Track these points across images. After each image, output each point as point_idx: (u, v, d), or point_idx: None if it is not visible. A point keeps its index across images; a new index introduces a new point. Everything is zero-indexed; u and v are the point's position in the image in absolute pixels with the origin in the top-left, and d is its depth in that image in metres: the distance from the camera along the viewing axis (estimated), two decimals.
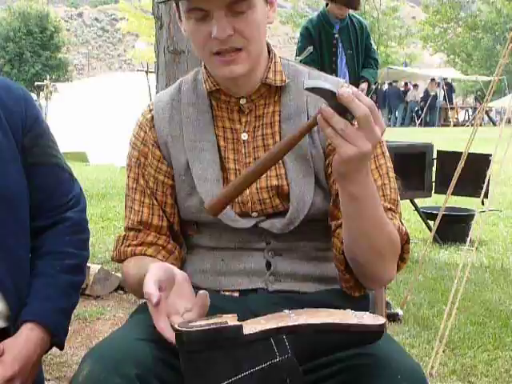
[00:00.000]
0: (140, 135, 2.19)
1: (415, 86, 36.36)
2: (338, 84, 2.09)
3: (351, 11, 6.61)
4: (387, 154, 2.10)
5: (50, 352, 2.19)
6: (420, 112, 33.28)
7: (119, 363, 1.74)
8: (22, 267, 2.15)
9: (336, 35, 6.55)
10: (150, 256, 2.13)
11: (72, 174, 2.33)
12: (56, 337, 2.14)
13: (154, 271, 1.81)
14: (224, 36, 1.88)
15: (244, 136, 2.11)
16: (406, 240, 2.00)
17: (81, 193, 2.34)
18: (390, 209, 2.02)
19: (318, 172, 2.07)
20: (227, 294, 2.09)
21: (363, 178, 1.73)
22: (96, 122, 15.70)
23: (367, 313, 1.81)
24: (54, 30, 38.00)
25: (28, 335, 2.06)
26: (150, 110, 2.20)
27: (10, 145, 2.13)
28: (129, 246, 2.17)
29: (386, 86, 35.80)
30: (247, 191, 2.05)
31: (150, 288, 1.74)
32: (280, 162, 2.00)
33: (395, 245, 1.95)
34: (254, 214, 2.11)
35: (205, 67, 2.12)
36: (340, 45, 6.57)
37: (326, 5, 6.58)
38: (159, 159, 2.16)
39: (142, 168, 2.18)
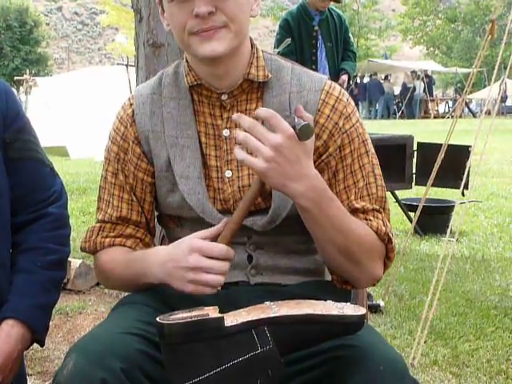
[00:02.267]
0: (120, 130, 2.17)
1: (386, 78, 36.44)
2: (320, 80, 2.11)
3: (332, 4, 6.63)
4: (372, 151, 2.11)
5: (31, 347, 2.19)
6: (400, 104, 33.37)
7: (104, 357, 1.74)
8: (2, 263, 2.14)
9: (316, 27, 6.55)
10: (130, 247, 2.14)
11: (53, 168, 2.33)
12: (36, 333, 2.14)
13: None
14: (205, 11, 1.86)
15: (226, 132, 2.10)
16: (387, 240, 2.02)
17: (62, 188, 2.33)
18: (373, 209, 2.04)
19: None
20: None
21: (299, 191, 1.79)
22: (76, 117, 15.67)
23: (348, 304, 1.81)
24: (33, 24, 37.86)
25: (9, 332, 2.06)
26: (131, 105, 2.17)
27: None
28: (106, 237, 2.16)
29: (366, 79, 35.86)
30: (229, 189, 2.08)
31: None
32: None
33: (368, 248, 1.98)
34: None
35: (186, 60, 2.10)
36: (320, 37, 6.58)
37: None
38: (139, 156, 2.14)
39: (122, 163, 2.16)
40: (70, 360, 1.76)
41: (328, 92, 2.08)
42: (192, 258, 1.83)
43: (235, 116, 1.79)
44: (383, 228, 2.00)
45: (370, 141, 2.11)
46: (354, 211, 2.02)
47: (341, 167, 2.06)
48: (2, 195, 2.14)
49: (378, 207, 2.05)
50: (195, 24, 1.90)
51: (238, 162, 2.07)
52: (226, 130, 2.10)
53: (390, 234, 2.03)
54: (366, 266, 2.00)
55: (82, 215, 6.95)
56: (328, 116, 2.06)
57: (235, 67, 2.04)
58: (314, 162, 1.98)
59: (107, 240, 2.15)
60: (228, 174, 2.09)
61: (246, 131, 1.73)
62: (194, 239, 1.87)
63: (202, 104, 2.12)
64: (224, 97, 2.07)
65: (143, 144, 2.14)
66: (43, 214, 2.23)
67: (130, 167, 2.15)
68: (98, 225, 2.19)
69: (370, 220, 2.00)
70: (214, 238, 1.88)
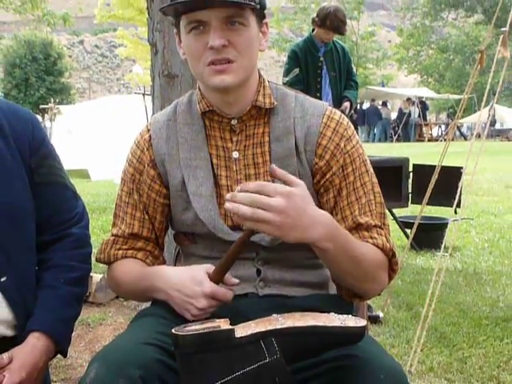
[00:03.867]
0: (137, 153, 2.19)
1: (384, 104, 36.52)
2: (322, 108, 2.13)
3: (336, 38, 6.67)
4: (371, 170, 2.12)
5: (56, 356, 2.18)
6: (397, 128, 33.40)
7: (123, 366, 1.75)
8: (28, 280, 2.14)
9: (321, 58, 6.58)
10: (140, 260, 2.17)
11: (76, 192, 2.33)
12: (60, 345, 2.13)
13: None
14: (219, 45, 1.90)
15: (235, 154, 2.11)
16: (391, 255, 2.02)
17: (84, 210, 2.33)
18: (375, 225, 2.04)
19: None
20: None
21: (317, 237, 1.80)
22: (97, 142, 15.71)
23: (350, 316, 1.81)
24: (57, 56, 37.97)
25: (34, 344, 2.05)
26: (148, 130, 2.20)
27: (17, 165, 2.13)
28: (119, 249, 2.18)
29: (366, 105, 35.91)
30: None
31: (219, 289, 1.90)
32: (271, 179, 2.00)
33: (377, 265, 2.00)
34: (245, 227, 2.11)
35: (199, 89, 2.13)
36: (324, 67, 6.60)
37: (313, 30, 6.62)
38: (152, 178, 2.16)
39: (137, 184, 2.18)
40: (92, 369, 1.77)
41: (329, 116, 2.10)
42: (204, 302, 1.89)
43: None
44: (387, 245, 2.01)
45: (368, 161, 2.12)
46: (359, 226, 2.03)
47: (344, 185, 2.07)
48: (28, 217, 2.14)
49: (379, 223, 2.06)
50: (209, 55, 1.93)
51: (246, 181, 2.09)
52: (235, 152, 2.11)
53: (394, 249, 2.04)
54: (375, 281, 2.02)
55: (103, 233, 6.96)
56: (330, 138, 2.07)
57: (244, 95, 2.07)
58: (319, 181, 2.07)
59: (120, 252, 2.18)
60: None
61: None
62: (209, 285, 1.90)
63: (213, 128, 2.14)
64: (234, 122, 2.09)
65: (159, 166, 2.16)
66: (66, 234, 2.23)
67: (144, 188, 2.17)
68: (111, 238, 2.21)
69: (376, 238, 2.01)
70: (218, 281, 1.93)
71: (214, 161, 2.13)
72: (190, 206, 2.11)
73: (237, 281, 1.94)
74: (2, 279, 2.05)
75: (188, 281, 1.94)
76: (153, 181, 2.16)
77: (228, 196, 1.76)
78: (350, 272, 1.95)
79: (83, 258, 2.25)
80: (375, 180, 2.12)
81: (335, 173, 2.06)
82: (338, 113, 2.14)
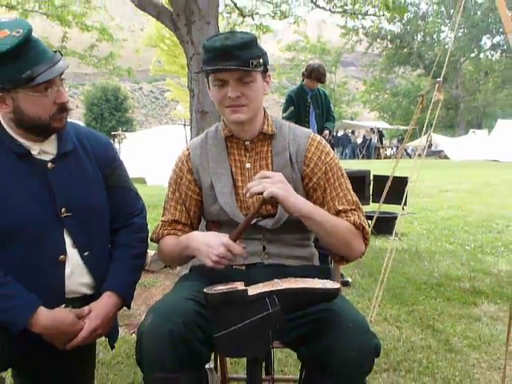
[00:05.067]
0: (179, 164, 2.26)
1: (353, 132, 36.44)
2: (307, 133, 2.23)
3: (319, 85, 6.67)
4: (345, 174, 2.22)
5: (122, 308, 2.19)
6: (362, 149, 33.32)
7: (170, 314, 1.79)
8: (103, 255, 2.17)
9: (309, 100, 6.58)
10: (179, 236, 2.21)
11: (137, 193, 2.35)
12: (125, 301, 2.15)
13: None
14: (234, 96, 2.02)
15: (248, 165, 2.19)
16: (362, 228, 2.09)
17: (143, 205, 2.35)
18: (351, 209, 2.12)
19: (296, 189, 2.08)
20: (237, 267, 2.11)
21: (293, 205, 1.92)
22: (150, 158, 15.69)
23: (328, 280, 1.83)
24: (123, 98, 38.00)
25: (107, 300, 2.07)
26: (188, 149, 2.28)
27: (96, 175, 2.16)
28: (165, 230, 2.25)
29: (340, 133, 35.80)
30: (249, 201, 2.13)
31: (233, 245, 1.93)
32: None
33: (350, 234, 2.06)
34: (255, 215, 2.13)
35: (223, 121, 2.21)
36: (311, 106, 6.60)
37: (303, 80, 6.62)
38: (189, 182, 2.23)
39: (178, 185, 2.25)
40: (148, 317, 1.82)
41: (312, 138, 2.20)
42: (222, 249, 1.90)
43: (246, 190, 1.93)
44: (357, 220, 2.09)
45: (343, 168, 2.22)
46: (339, 212, 2.10)
47: (327, 186, 2.15)
48: (104, 211, 2.18)
49: (354, 207, 2.13)
50: (228, 101, 2.05)
51: None
52: (248, 163, 2.19)
53: (364, 224, 2.11)
54: (351, 247, 2.08)
55: (155, 222, 6.96)
56: (313, 152, 2.17)
57: (254, 126, 2.16)
58: (308, 184, 2.16)
59: (165, 232, 2.24)
60: None
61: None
62: (226, 238, 1.94)
63: (232, 147, 2.21)
64: (247, 143, 2.19)
65: (194, 173, 2.22)
66: (130, 222, 2.25)
67: (183, 188, 2.23)
68: (160, 223, 2.28)
69: (349, 216, 2.09)
70: (234, 239, 1.95)
71: (233, 170, 2.19)
72: (217, 201, 2.16)
73: (244, 246, 1.99)
74: (85, 254, 2.06)
75: (211, 236, 1.99)
76: (190, 183, 2.22)
77: (244, 190, 1.93)
78: (330, 237, 2.04)
79: (142, 239, 2.27)
80: (348, 181, 2.21)
81: (320, 177, 2.15)
82: (319, 136, 2.26)
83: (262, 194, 1.86)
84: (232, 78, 2.00)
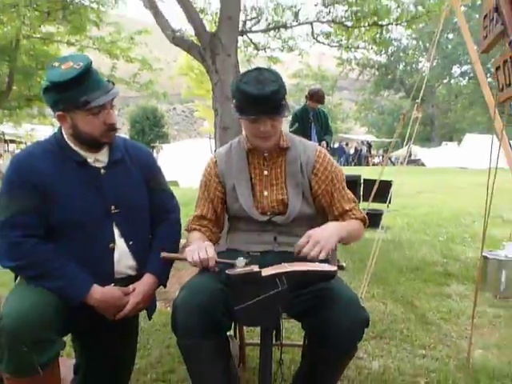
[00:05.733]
0: (207, 170, 2.27)
1: (347, 144, 36.26)
2: (315, 147, 2.24)
3: (319, 106, 6.66)
4: (344, 182, 2.23)
5: (160, 288, 2.19)
6: (354, 158, 33.16)
7: (199, 291, 1.82)
8: (145, 243, 2.17)
9: (311, 118, 6.59)
10: (202, 232, 2.24)
11: (172, 193, 2.34)
12: (162, 281, 2.16)
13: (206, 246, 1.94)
14: (266, 131, 2.01)
15: (265, 172, 2.19)
16: (365, 219, 2.19)
17: (177, 204, 2.34)
18: (353, 207, 2.18)
19: (304, 192, 2.13)
20: (253, 253, 2.11)
21: (336, 242, 1.99)
22: (182, 165, 15.72)
23: (327, 264, 1.83)
24: (160, 116, 38.03)
25: (147, 280, 2.08)
26: (215, 157, 2.28)
27: (139, 178, 2.16)
28: (193, 224, 2.26)
29: (336, 145, 35.69)
30: (265, 201, 2.15)
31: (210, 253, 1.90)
32: (284, 187, 2.15)
33: (360, 231, 2.17)
34: (269, 213, 2.15)
35: (246, 136, 2.19)
36: (313, 123, 6.61)
37: (306, 101, 6.62)
38: (216, 184, 2.22)
39: (207, 186, 2.25)
40: (180, 293, 1.86)
41: (319, 151, 2.21)
42: (196, 257, 1.88)
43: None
44: (361, 215, 2.18)
45: (344, 174, 2.26)
46: (345, 211, 2.17)
47: (334, 190, 2.18)
48: (146, 209, 2.18)
49: (354, 205, 2.19)
50: (260, 134, 2.04)
51: (271, 188, 2.17)
52: (265, 170, 2.18)
53: (365, 215, 2.19)
54: (360, 237, 2.18)
55: (186, 217, 6.96)
56: (321, 163, 2.18)
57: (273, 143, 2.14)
58: (317, 191, 2.17)
59: (193, 226, 2.25)
60: (265, 193, 2.16)
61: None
62: (211, 254, 1.90)
63: (253, 157, 2.20)
64: (266, 154, 2.18)
65: (220, 177, 2.22)
66: (167, 218, 2.25)
67: (211, 189, 2.24)
68: (191, 218, 2.29)
69: (355, 214, 2.16)
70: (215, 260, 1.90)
71: (252, 175, 2.19)
72: (237, 201, 2.17)
73: (217, 268, 1.91)
74: (130, 243, 2.07)
75: (203, 245, 1.94)
76: (216, 185, 2.23)
77: (296, 249, 1.90)
78: (353, 239, 2.17)
79: (176, 232, 2.27)
80: (345, 182, 2.25)
81: (327, 184, 2.17)
82: (323, 149, 2.27)
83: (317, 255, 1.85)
84: (264, 116, 1.99)
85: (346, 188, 2.22)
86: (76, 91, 1.86)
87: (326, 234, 1.90)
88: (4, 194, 1.93)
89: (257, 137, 2.07)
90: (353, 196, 2.23)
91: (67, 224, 1.95)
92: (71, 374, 2.34)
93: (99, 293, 1.93)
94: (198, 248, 1.90)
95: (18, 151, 2.20)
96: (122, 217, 2.06)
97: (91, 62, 1.91)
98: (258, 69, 2.03)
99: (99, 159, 2.06)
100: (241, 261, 1.80)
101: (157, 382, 2.65)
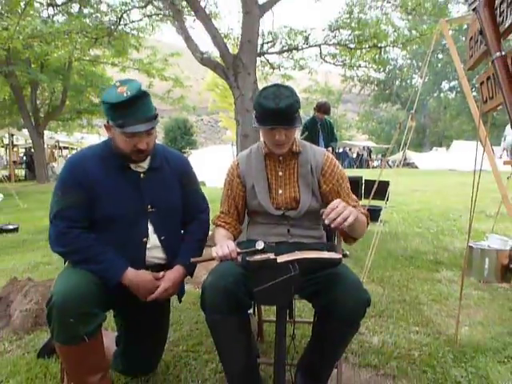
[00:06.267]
0: (230, 170, 2.26)
1: (350, 149, 36.01)
2: (323, 152, 2.20)
3: (326, 116, 6.62)
4: (348, 183, 2.20)
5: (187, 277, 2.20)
6: (356, 162, 32.91)
7: (224, 274, 1.81)
8: (175, 239, 2.17)
9: (319, 127, 6.53)
10: (225, 227, 2.22)
11: (204, 196, 2.33)
12: (189, 271, 2.16)
13: (226, 242, 1.92)
14: (281, 140, 2.00)
15: (280, 173, 2.16)
16: (368, 216, 2.10)
17: (207, 204, 2.33)
18: (356, 204, 2.13)
19: (313, 190, 2.11)
20: (270, 244, 2.09)
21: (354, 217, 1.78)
22: (208, 167, 15.76)
23: (333, 252, 1.82)
24: (190, 126, 38.24)
25: (177, 270, 2.09)
26: (237, 160, 2.27)
27: (175, 183, 2.16)
28: (218, 221, 2.24)
29: (340, 150, 35.47)
30: (279, 198, 2.13)
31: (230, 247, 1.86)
32: (296, 186, 2.12)
33: (365, 224, 2.06)
34: (283, 208, 2.14)
35: (264, 142, 2.17)
36: (320, 131, 6.56)
37: (314, 113, 6.57)
38: (237, 183, 2.21)
39: (230, 185, 2.24)
40: (209, 277, 1.85)
41: (327, 155, 2.18)
42: (220, 253, 1.85)
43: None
44: (365, 211, 2.09)
45: (346, 175, 2.21)
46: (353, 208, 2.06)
47: (340, 189, 2.15)
48: (179, 209, 2.18)
49: (356, 203, 2.14)
50: (276, 142, 2.02)
51: (285, 186, 2.14)
52: (280, 172, 2.16)
53: (368, 214, 2.10)
54: (364, 231, 2.07)
55: (212, 212, 7.00)
56: (328, 166, 2.15)
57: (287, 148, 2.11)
58: (325, 189, 2.13)
59: (218, 222, 2.24)
60: (280, 191, 2.14)
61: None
62: (232, 248, 1.87)
63: (269, 160, 2.19)
64: (280, 158, 2.16)
65: (241, 177, 2.21)
66: (198, 217, 2.25)
67: (234, 187, 2.23)
68: (218, 214, 2.28)
69: (360, 210, 2.06)
70: (237, 253, 1.88)
71: (269, 176, 2.17)
72: (256, 198, 2.15)
73: (239, 260, 1.89)
74: (162, 238, 2.08)
75: (226, 242, 1.91)
76: (238, 184, 2.21)
77: (326, 219, 1.74)
78: (359, 228, 1.99)
79: (205, 229, 2.26)
80: (349, 186, 2.20)
81: (334, 184, 2.14)
82: (330, 154, 2.23)
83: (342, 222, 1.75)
84: (280, 127, 1.99)
85: (349, 188, 2.19)
86: (118, 114, 1.87)
87: (349, 208, 1.79)
88: (57, 189, 1.97)
89: (273, 144, 2.06)
90: (355, 197, 2.19)
91: (108, 219, 1.97)
92: (114, 345, 2.37)
93: (132, 275, 1.95)
94: (221, 246, 1.89)
95: (69, 155, 2.22)
96: (156, 215, 2.06)
97: (141, 94, 1.88)
98: (276, 85, 2.02)
99: (140, 165, 2.07)
100: (260, 243, 1.80)
101: (187, 352, 2.67)
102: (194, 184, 2.27)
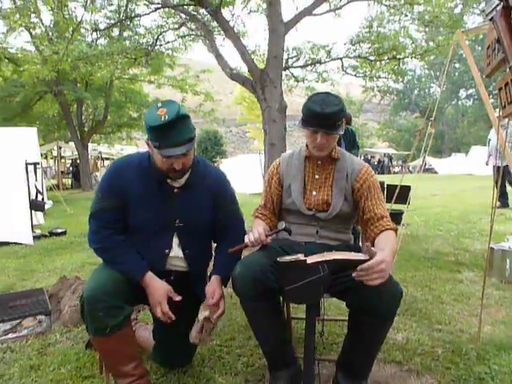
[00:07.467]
0: (272, 169, 2.28)
1: (372, 157, 35.57)
2: (363, 164, 2.16)
3: (348, 126, 6.57)
4: (381, 194, 2.12)
5: None
6: (378, 168, 32.50)
7: (252, 265, 1.83)
8: (199, 252, 2.15)
9: (341, 136, 6.47)
10: (262, 219, 2.22)
11: (241, 215, 2.23)
12: (224, 282, 2.10)
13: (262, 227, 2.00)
14: (322, 143, 2.01)
15: (317, 176, 2.16)
16: (396, 230, 2.00)
17: (243, 224, 2.23)
18: (385, 215, 2.02)
19: (346, 195, 2.09)
20: (299, 243, 2.10)
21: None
22: (238, 175, 15.80)
23: (361, 253, 1.79)
24: (219, 137, 38.45)
25: (216, 279, 2.08)
26: (279, 160, 2.29)
27: (208, 202, 2.12)
28: (256, 212, 2.25)
29: (362, 157, 35.06)
30: (312, 199, 2.12)
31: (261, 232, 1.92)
32: (329, 189, 2.10)
33: (395, 241, 1.99)
34: (314, 209, 2.13)
35: (306, 146, 2.17)
36: (342, 139, 6.50)
37: None
38: (276, 181, 2.23)
39: (270, 183, 2.26)
40: (238, 267, 1.86)
41: (366, 167, 2.16)
42: (251, 237, 1.89)
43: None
44: (393, 226, 1.99)
45: (379, 186, 2.16)
46: (377, 215, 2.01)
47: (370, 196, 2.08)
48: (207, 227, 2.14)
49: (386, 214, 2.04)
50: (317, 145, 2.02)
51: (319, 189, 2.13)
52: (317, 175, 2.16)
53: (395, 226, 2.01)
54: (395, 244, 1.97)
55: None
56: (363, 174, 2.12)
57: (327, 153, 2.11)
58: (357, 194, 2.08)
59: (257, 214, 2.24)
60: (314, 193, 2.14)
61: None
62: (260, 228, 1.93)
63: (308, 163, 2.19)
64: (319, 162, 2.16)
65: (280, 176, 2.23)
66: (231, 234, 2.17)
67: (272, 185, 2.24)
68: (258, 206, 2.28)
69: (389, 225, 1.98)
70: (266, 235, 1.93)
71: (306, 177, 2.17)
72: (291, 197, 2.16)
73: (269, 240, 1.95)
74: (186, 251, 2.08)
75: (258, 228, 1.96)
76: (276, 183, 2.23)
77: (365, 277, 1.63)
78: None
79: (238, 240, 2.07)
80: (382, 195, 2.13)
81: (365, 190, 2.08)
82: (370, 167, 2.18)
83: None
84: (321, 130, 1.98)
85: (381, 198, 2.09)
86: (155, 135, 1.84)
87: (390, 260, 1.70)
88: (97, 192, 2.03)
89: (313, 146, 2.06)
90: (385, 209, 2.06)
91: (135, 226, 2.00)
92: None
93: (148, 280, 1.96)
94: (252, 232, 1.92)
95: (116, 159, 2.24)
96: (183, 230, 2.05)
97: (178, 118, 1.82)
98: (327, 93, 2.01)
99: (177, 180, 2.04)
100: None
101: (221, 346, 2.67)
102: (231, 204, 2.19)
